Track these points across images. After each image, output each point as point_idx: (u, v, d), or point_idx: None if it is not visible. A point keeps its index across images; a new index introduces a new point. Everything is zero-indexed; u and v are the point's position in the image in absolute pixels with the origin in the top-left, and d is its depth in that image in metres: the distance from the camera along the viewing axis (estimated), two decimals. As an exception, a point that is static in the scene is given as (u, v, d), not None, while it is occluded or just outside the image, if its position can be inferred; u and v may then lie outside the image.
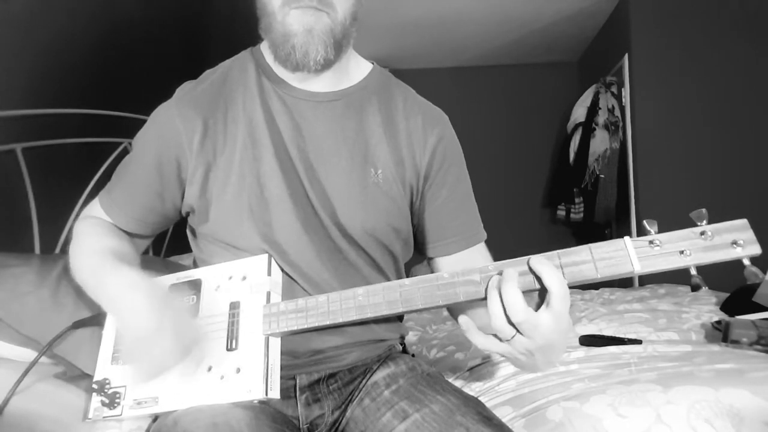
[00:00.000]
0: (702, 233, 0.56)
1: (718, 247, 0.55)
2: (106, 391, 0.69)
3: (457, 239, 0.82)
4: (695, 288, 0.57)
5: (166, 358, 0.61)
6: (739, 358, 1.06)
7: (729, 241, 0.55)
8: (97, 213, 0.80)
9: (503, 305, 0.56)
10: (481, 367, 1.18)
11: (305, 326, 0.65)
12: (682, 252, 0.55)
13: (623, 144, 3.17)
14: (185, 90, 0.77)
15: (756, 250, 0.54)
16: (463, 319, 0.61)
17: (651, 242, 0.56)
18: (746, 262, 0.55)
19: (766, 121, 2.89)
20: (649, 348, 1.21)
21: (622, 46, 3.21)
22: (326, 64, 0.71)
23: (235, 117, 0.75)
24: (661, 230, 0.57)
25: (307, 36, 0.68)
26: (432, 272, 0.86)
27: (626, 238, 0.57)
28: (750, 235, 0.54)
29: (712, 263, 0.55)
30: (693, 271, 0.57)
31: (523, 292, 0.57)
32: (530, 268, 0.57)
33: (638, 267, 0.56)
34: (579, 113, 3.46)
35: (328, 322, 0.64)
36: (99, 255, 0.70)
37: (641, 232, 0.58)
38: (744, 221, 0.55)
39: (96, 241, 0.74)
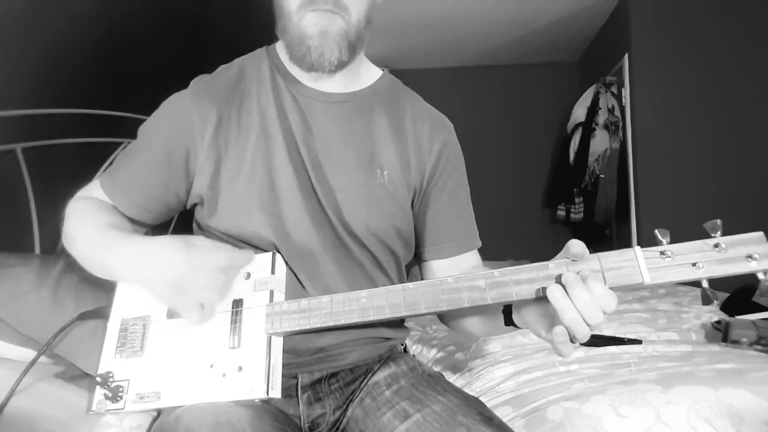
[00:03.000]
0: (716, 245, 0.54)
1: (732, 261, 0.53)
2: (109, 384, 0.69)
3: (454, 243, 0.84)
4: (706, 302, 0.55)
5: (211, 293, 0.65)
6: (739, 358, 1.06)
7: (744, 254, 0.53)
8: (95, 195, 0.79)
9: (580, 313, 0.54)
10: (481, 367, 1.18)
11: (308, 327, 0.65)
12: (694, 264, 0.54)
13: (623, 144, 3.17)
14: (202, 82, 0.78)
15: None
16: (559, 329, 0.56)
17: (662, 253, 0.54)
18: (761, 276, 0.53)
19: (766, 121, 2.89)
20: (649, 348, 1.21)
21: (622, 46, 3.21)
22: (340, 65, 0.73)
23: (249, 111, 0.76)
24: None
25: (322, 38, 0.70)
26: (422, 275, 0.87)
27: (636, 247, 0.56)
28: (766, 248, 0.52)
29: (725, 276, 0.54)
30: (705, 284, 0.55)
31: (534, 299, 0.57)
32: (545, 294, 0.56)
33: (648, 278, 0.54)
34: (579, 113, 3.45)
35: (330, 323, 0.64)
36: (105, 229, 0.71)
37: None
38: (760, 234, 0.53)
39: (99, 217, 0.74)
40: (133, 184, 0.77)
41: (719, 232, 0.54)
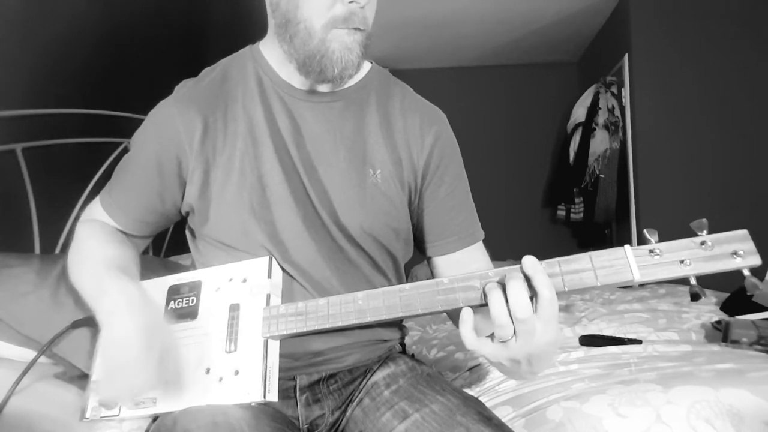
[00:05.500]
0: (702, 243, 0.56)
1: (719, 258, 0.55)
2: None
3: (457, 238, 0.82)
4: (694, 297, 0.57)
5: (142, 388, 0.60)
6: (739, 358, 1.06)
7: (729, 251, 0.55)
8: (98, 214, 0.79)
9: (507, 303, 0.55)
10: (481, 367, 1.18)
11: (304, 329, 0.65)
12: (682, 261, 0.56)
13: (623, 144, 3.17)
14: (185, 88, 0.77)
15: (756, 260, 0.54)
16: (466, 311, 0.58)
17: (651, 251, 0.56)
18: (746, 272, 0.55)
19: (766, 122, 2.89)
20: (649, 348, 1.21)
21: (622, 46, 3.21)
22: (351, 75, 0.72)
23: (235, 115, 0.75)
24: (661, 230, 0.57)
25: (347, 54, 0.68)
26: (431, 270, 0.87)
27: (626, 246, 0.58)
28: (750, 245, 0.55)
29: (711, 273, 0.56)
30: (693, 281, 0.57)
31: None
32: (522, 271, 0.57)
33: (638, 275, 0.56)
34: (579, 113, 3.46)
35: (327, 326, 0.64)
36: (99, 264, 0.69)
37: (641, 233, 0.58)
38: (744, 232, 0.55)
39: (97, 248, 0.73)
40: (129, 199, 0.77)
41: (705, 231, 0.56)
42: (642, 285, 2.40)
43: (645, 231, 0.57)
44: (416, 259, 0.88)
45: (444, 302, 0.60)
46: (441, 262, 0.84)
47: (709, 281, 0.58)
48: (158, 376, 0.60)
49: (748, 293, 0.53)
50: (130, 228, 0.78)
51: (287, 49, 0.71)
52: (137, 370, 0.59)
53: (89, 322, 0.82)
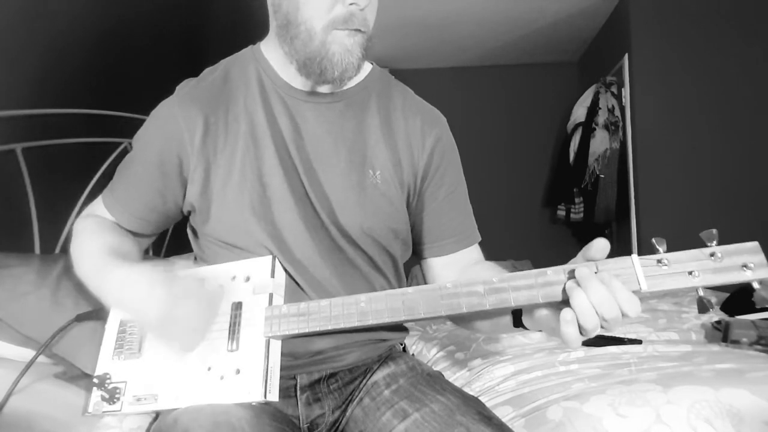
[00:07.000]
0: (711, 254, 0.54)
1: (728, 270, 0.54)
2: (106, 386, 0.69)
3: (454, 240, 0.83)
4: (702, 310, 0.55)
5: (198, 324, 0.64)
6: (739, 358, 1.06)
7: (739, 263, 0.54)
8: (99, 211, 0.80)
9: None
10: (481, 366, 1.18)
11: (306, 330, 0.65)
12: (690, 272, 0.54)
13: (623, 144, 3.17)
14: (187, 88, 0.77)
15: (766, 273, 0.53)
16: (567, 311, 0.55)
17: (659, 261, 0.55)
18: (756, 285, 0.53)
19: (766, 122, 2.89)
20: (649, 348, 1.21)
21: (622, 46, 3.21)
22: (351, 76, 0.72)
23: (236, 115, 0.75)
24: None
25: (347, 56, 0.68)
26: (424, 273, 0.87)
27: (634, 256, 0.56)
28: (761, 258, 0.53)
29: (720, 285, 0.54)
30: (701, 292, 0.55)
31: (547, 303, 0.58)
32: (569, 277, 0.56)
33: (645, 286, 0.54)
34: (579, 113, 3.45)
35: (329, 327, 0.64)
36: (101, 252, 0.71)
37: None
38: (755, 244, 0.54)
39: (98, 239, 0.74)
40: (131, 197, 0.77)
41: (715, 242, 0.55)
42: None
43: (653, 240, 0.56)
44: (416, 259, 0.88)
45: (447, 307, 0.60)
46: (437, 263, 0.84)
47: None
48: (198, 307, 0.63)
49: (757, 306, 0.52)
50: (132, 226, 0.78)
51: (288, 51, 0.71)
52: (178, 318, 0.62)
53: (94, 316, 0.82)
